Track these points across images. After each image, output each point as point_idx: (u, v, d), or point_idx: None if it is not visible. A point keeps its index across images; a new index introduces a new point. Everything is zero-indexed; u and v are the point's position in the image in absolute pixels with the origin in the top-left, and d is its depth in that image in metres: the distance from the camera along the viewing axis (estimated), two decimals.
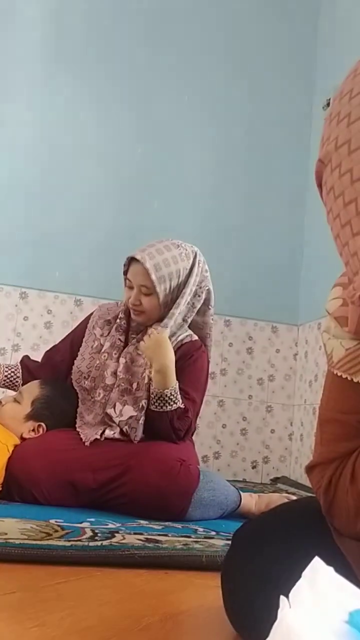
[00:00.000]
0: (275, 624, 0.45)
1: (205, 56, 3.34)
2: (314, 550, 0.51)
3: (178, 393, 1.81)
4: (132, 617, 0.83)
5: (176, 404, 1.79)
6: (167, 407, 1.79)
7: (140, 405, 1.82)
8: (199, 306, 1.95)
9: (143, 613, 0.85)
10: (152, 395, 1.81)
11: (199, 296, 1.93)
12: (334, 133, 0.51)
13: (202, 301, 1.95)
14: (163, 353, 1.78)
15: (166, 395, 1.79)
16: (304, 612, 0.44)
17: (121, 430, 1.80)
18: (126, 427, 1.80)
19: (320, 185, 0.55)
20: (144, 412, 1.81)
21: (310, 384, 3.04)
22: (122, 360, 1.90)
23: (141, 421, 1.80)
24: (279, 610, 0.46)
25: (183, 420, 1.81)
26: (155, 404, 1.80)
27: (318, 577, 0.47)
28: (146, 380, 1.83)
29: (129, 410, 1.82)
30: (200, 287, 1.94)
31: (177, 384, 1.81)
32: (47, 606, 0.84)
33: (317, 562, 0.49)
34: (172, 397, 1.79)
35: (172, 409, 1.79)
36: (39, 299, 3.04)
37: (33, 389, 1.92)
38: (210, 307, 2.00)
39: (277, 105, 3.40)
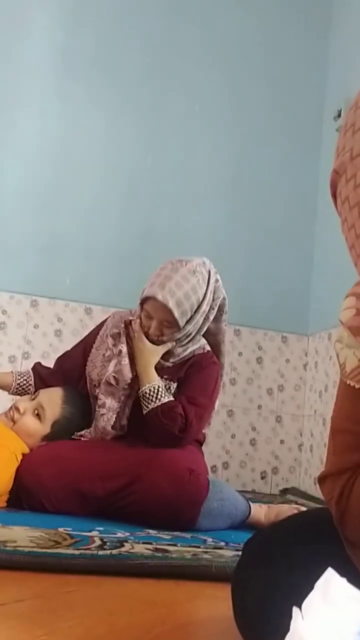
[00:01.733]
0: (288, 635, 0.44)
1: (215, 65, 3.36)
2: (326, 561, 0.51)
3: (160, 391, 1.83)
4: (143, 626, 0.83)
5: (160, 400, 1.81)
6: (150, 404, 1.82)
7: (117, 396, 1.86)
8: (212, 317, 1.95)
9: (153, 623, 0.85)
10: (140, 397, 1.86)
11: (213, 308, 1.94)
12: (349, 144, 0.51)
13: (215, 312, 1.95)
14: (144, 355, 1.87)
15: (146, 393, 1.83)
16: (317, 623, 0.44)
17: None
18: (104, 414, 1.84)
19: (334, 196, 0.55)
20: (119, 404, 1.85)
21: (321, 394, 3.03)
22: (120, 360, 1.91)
23: (121, 411, 1.84)
24: (292, 622, 0.45)
25: (171, 415, 1.80)
26: (142, 404, 1.83)
27: (331, 588, 0.47)
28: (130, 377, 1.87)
29: (109, 402, 1.86)
30: (214, 300, 1.94)
31: (160, 383, 1.85)
32: (56, 615, 0.84)
33: (330, 573, 0.49)
34: (152, 394, 1.82)
35: (155, 405, 1.81)
36: (50, 307, 3.05)
37: (54, 407, 1.87)
38: (223, 312, 2.00)
39: (288, 116, 3.41)
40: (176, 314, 1.81)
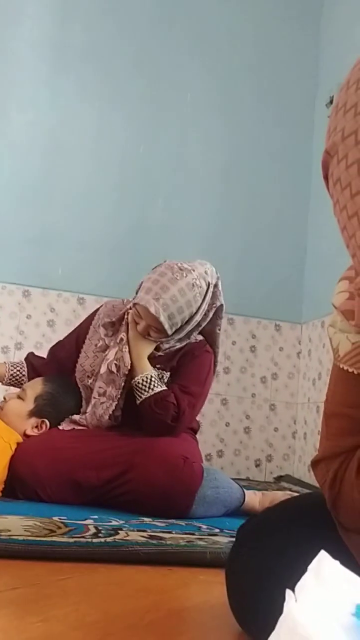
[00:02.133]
0: (281, 617, 0.44)
1: (207, 55, 3.34)
2: (319, 544, 0.51)
3: (153, 381, 1.83)
4: (137, 613, 0.83)
5: (153, 390, 1.81)
6: (143, 394, 1.82)
7: (118, 384, 1.85)
8: (204, 324, 1.94)
9: (147, 609, 0.85)
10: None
11: (207, 315, 1.93)
12: (340, 124, 0.50)
13: (208, 319, 1.94)
14: (137, 345, 1.86)
15: (139, 383, 1.83)
16: (310, 605, 0.44)
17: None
18: (103, 402, 1.83)
19: (326, 177, 0.55)
20: (119, 391, 1.85)
21: (314, 382, 3.04)
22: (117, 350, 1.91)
23: (116, 398, 1.84)
24: (285, 604, 0.45)
25: (163, 404, 1.80)
26: (136, 394, 1.83)
27: (324, 570, 0.47)
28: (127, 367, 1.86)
29: (109, 390, 1.86)
30: (210, 309, 1.93)
31: (153, 373, 1.84)
32: (51, 602, 0.84)
33: (323, 556, 0.49)
34: (145, 383, 1.82)
35: (148, 395, 1.81)
36: (42, 297, 3.04)
37: (36, 386, 1.92)
38: (219, 317, 1.99)
39: (280, 104, 3.39)
40: (166, 325, 1.81)
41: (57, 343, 2.17)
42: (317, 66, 3.42)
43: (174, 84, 3.29)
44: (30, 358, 2.14)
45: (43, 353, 2.22)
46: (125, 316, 1.96)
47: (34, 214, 3.04)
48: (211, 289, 1.90)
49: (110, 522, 1.43)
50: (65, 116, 3.16)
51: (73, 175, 3.13)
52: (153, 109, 3.26)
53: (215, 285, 1.92)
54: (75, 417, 1.91)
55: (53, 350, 2.13)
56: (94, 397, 1.89)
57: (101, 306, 2.11)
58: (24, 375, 2.07)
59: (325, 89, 3.20)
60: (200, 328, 1.94)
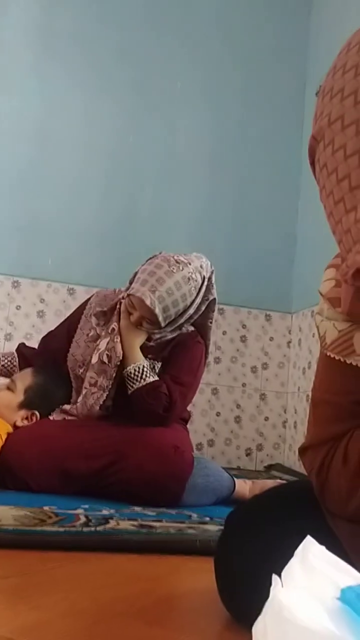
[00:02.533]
0: (268, 602, 0.45)
1: (197, 42, 3.31)
2: (307, 531, 0.51)
3: (145, 371, 1.83)
4: (127, 600, 0.83)
5: (145, 380, 1.81)
6: (135, 384, 1.82)
7: (109, 374, 1.84)
8: (196, 317, 1.94)
9: (137, 596, 0.85)
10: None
11: (199, 308, 1.93)
12: (326, 109, 0.50)
13: (200, 312, 1.94)
14: (129, 335, 1.86)
15: (131, 373, 1.83)
16: (296, 589, 0.44)
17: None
18: (94, 393, 1.83)
19: (313, 163, 0.54)
20: (110, 382, 1.84)
21: (304, 371, 3.05)
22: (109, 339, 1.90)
23: (107, 388, 1.83)
24: (271, 589, 0.46)
25: (155, 395, 1.81)
26: (127, 384, 1.83)
27: (310, 555, 0.47)
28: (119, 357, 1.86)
29: (100, 380, 1.85)
30: (202, 302, 1.93)
31: (145, 363, 1.84)
32: (41, 590, 0.84)
33: (309, 541, 0.49)
34: (137, 373, 1.82)
35: (139, 385, 1.81)
36: (32, 288, 3.02)
37: (26, 377, 1.91)
38: (211, 311, 1.99)
39: (271, 92, 3.38)
40: (160, 317, 1.81)
41: (48, 333, 2.16)
42: (306, 54, 3.40)
43: (164, 72, 3.27)
44: (22, 349, 2.13)
45: (33, 344, 2.21)
46: (117, 306, 1.95)
47: (22, 203, 3.02)
48: (206, 283, 1.90)
49: (101, 511, 1.43)
50: (53, 104, 3.13)
51: (62, 164, 3.11)
52: (142, 97, 3.24)
53: (209, 279, 1.92)
54: (66, 407, 1.91)
55: (44, 341, 2.13)
56: (85, 388, 1.89)
57: (92, 295, 2.10)
58: (15, 366, 2.06)
59: (315, 77, 3.19)
60: (192, 320, 1.94)
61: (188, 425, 2.09)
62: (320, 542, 0.49)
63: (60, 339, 2.06)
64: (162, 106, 3.26)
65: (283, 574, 0.47)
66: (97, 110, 3.18)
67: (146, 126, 3.23)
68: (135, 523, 1.30)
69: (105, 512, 1.42)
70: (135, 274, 1.90)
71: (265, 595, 0.46)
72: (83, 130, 3.16)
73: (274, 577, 0.46)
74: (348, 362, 0.66)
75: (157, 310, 1.79)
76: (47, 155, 3.09)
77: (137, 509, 1.53)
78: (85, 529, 1.17)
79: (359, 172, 0.46)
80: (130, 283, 1.90)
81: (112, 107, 3.19)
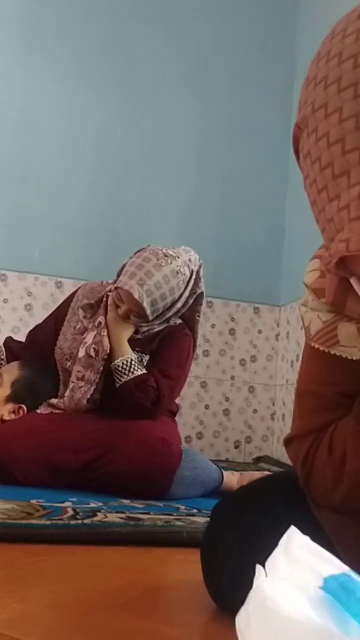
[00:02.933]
0: (251, 592, 0.45)
1: (185, 34, 3.30)
2: (292, 522, 0.51)
3: (133, 364, 1.82)
4: (113, 592, 0.83)
5: (133, 373, 1.81)
6: (123, 377, 1.81)
7: (96, 368, 1.84)
8: (183, 310, 1.94)
9: (124, 588, 0.85)
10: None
11: (187, 302, 1.92)
12: (310, 97, 0.50)
13: (188, 306, 1.94)
14: (117, 328, 1.86)
15: (118, 366, 1.83)
16: (279, 579, 0.44)
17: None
18: (82, 386, 1.83)
19: (297, 151, 0.54)
20: (98, 375, 1.83)
21: (292, 364, 3.06)
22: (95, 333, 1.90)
23: (94, 382, 1.83)
24: (255, 579, 0.46)
25: (143, 388, 1.81)
26: (115, 377, 1.83)
27: (293, 545, 0.47)
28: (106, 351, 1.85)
29: (88, 374, 1.85)
30: (190, 296, 1.92)
31: (133, 356, 1.84)
32: (27, 583, 0.84)
33: (293, 531, 0.49)
34: (125, 367, 1.82)
35: (128, 378, 1.81)
36: (19, 281, 3.00)
37: (12, 371, 1.90)
38: (199, 304, 1.99)
39: (258, 84, 3.37)
40: (148, 311, 1.80)
41: (35, 327, 2.15)
42: (294, 46, 3.39)
43: (151, 64, 3.25)
44: (9, 342, 2.12)
45: (20, 338, 2.20)
46: (104, 298, 1.95)
47: (8, 195, 3.00)
48: (194, 276, 1.90)
49: (89, 504, 1.43)
50: (39, 95, 3.10)
51: (49, 156, 3.09)
52: (130, 88, 3.22)
53: (197, 273, 1.92)
54: (53, 400, 1.90)
55: (32, 334, 2.12)
56: (72, 381, 1.88)
57: (79, 288, 2.10)
58: (2, 360, 2.05)
59: (303, 69, 3.17)
60: (180, 314, 1.94)
61: (177, 418, 2.10)
62: (305, 532, 0.49)
63: (47, 332, 2.05)
64: (149, 98, 3.24)
65: (267, 564, 0.47)
66: (84, 102, 3.16)
67: (133, 118, 3.21)
68: (122, 516, 1.30)
69: (92, 505, 1.42)
70: (123, 266, 1.89)
71: (250, 585, 0.45)
72: (69, 121, 3.14)
73: (258, 567, 0.46)
74: (332, 352, 0.66)
75: (145, 304, 1.78)
76: (34, 146, 3.07)
77: (125, 501, 1.54)
78: (73, 522, 1.17)
79: (342, 160, 0.46)
80: (118, 276, 1.90)
81: (99, 99, 3.17)
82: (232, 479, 1.78)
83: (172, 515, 1.37)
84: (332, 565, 0.45)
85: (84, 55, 3.17)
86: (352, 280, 0.53)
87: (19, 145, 3.05)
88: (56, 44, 3.14)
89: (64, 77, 3.14)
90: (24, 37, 3.11)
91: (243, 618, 0.44)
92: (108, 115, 3.18)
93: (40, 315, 2.54)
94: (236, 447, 3.15)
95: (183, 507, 1.50)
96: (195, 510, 1.46)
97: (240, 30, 3.37)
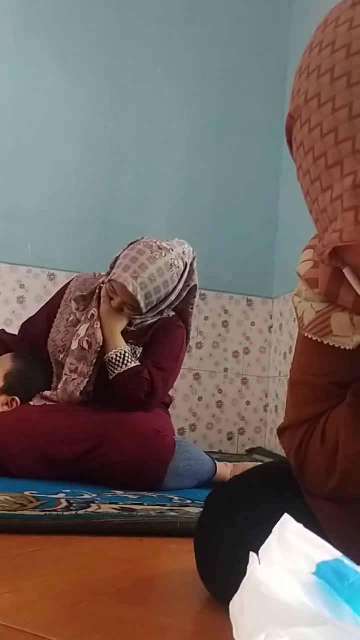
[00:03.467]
0: (245, 578, 0.45)
1: (178, 26, 3.28)
2: (285, 510, 0.51)
3: (127, 356, 1.83)
4: (107, 582, 0.83)
5: (126, 366, 1.81)
6: (117, 369, 1.82)
7: (89, 360, 1.84)
8: (177, 303, 1.94)
9: (117, 578, 0.86)
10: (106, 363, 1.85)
11: (181, 295, 1.92)
12: (303, 87, 0.50)
13: (181, 299, 1.94)
14: (110, 320, 1.85)
15: (112, 359, 1.83)
16: (273, 566, 0.45)
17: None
18: (75, 379, 1.83)
19: (290, 142, 0.54)
20: (91, 368, 1.83)
21: (285, 356, 3.07)
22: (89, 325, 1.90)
23: (87, 374, 1.83)
24: (249, 566, 0.46)
25: (137, 381, 1.81)
26: (109, 370, 1.83)
27: (287, 533, 0.47)
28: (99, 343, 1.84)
29: (81, 366, 1.84)
30: (184, 289, 1.92)
31: (127, 348, 1.84)
32: (21, 573, 0.84)
33: (286, 519, 0.49)
34: (118, 359, 1.82)
35: (121, 371, 1.81)
36: (11, 274, 2.99)
37: (5, 363, 1.90)
38: (192, 297, 1.99)
39: (252, 75, 3.36)
40: (142, 304, 1.80)
41: (28, 319, 2.15)
42: (288, 38, 3.39)
43: (144, 54, 3.23)
44: (1, 335, 2.11)
45: (13, 330, 2.20)
46: (97, 291, 1.95)
47: (0, 188, 2.98)
48: (188, 269, 1.90)
49: (83, 495, 1.43)
50: (30, 87, 3.08)
51: (41, 148, 3.07)
52: (122, 80, 3.20)
53: (191, 265, 1.92)
54: (47, 393, 1.90)
55: (25, 327, 2.11)
56: (65, 374, 1.88)
57: (72, 280, 2.09)
58: None
59: (295, 60, 3.17)
60: (173, 306, 1.94)
61: (170, 410, 2.10)
62: (298, 521, 0.50)
63: (40, 325, 2.05)
64: (142, 89, 3.22)
65: (260, 551, 0.47)
66: (77, 94, 3.14)
67: (127, 109, 3.20)
68: (116, 507, 1.30)
69: (86, 496, 1.43)
70: (117, 258, 1.89)
71: (243, 573, 0.46)
72: (62, 113, 3.12)
73: (252, 554, 0.46)
74: (325, 342, 0.66)
75: (139, 297, 1.78)
76: (26, 139, 3.05)
77: (119, 493, 1.54)
78: (67, 513, 1.17)
79: (335, 151, 0.46)
80: (112, 268, 1.90)
81: (91, 91, 3.16)
82: (226, 470, 1.79)
83: (165, 506, 1.38)
84: (326, 551, 0.45)
85: (76, 48, 3.15)
86: (346, 271, 0.53)
87: (11, 137, 3.03)
88: (48, 36, 3.12)
89: (56, 69, 3.12)
90: (16, 29, 3.08)
91: (237, 604, 0.45)
92: (100, 107, 3.17)
93: (33, 308, 2.54)
94: (229, 439, 3.16)
95: (177, 498, 1.51)
96: (188, 501, 1.47)
97: (233, 22, 3.36)
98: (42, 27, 3.11)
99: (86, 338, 1.86)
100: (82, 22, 3.16)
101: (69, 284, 2.08)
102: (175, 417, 2.70)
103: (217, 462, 1.80)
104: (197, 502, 1.44)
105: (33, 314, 2.17)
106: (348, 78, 0.45)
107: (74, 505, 1.27)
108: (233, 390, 3.20)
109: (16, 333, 2.14)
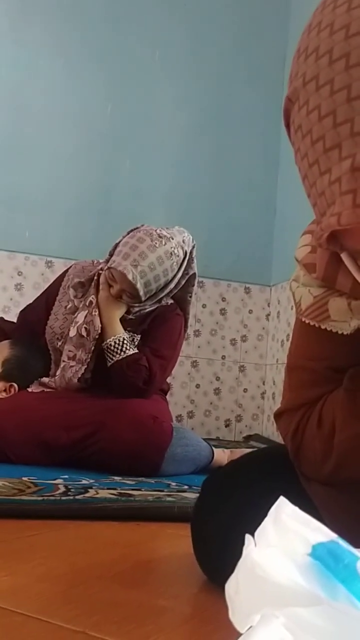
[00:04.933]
0: (240, 560, 0.45)
1: (176, 11, 3.25)
2: (281, 494, 0.52)
3: (125, 344, 1.83)
4: (104, 565, 0.84)
5: (125, 353, 1.81)
6: (115, 356, 1.81)
7: (87, 347, 1.84)
8: (175, 291, 1.93)
9: (115, 561, 0.86)
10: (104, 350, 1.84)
11: (179, 283, 1.92)
12: (301, 69, 0.49)
13: (180, 287, 1.93)
14: (109, 307, 1.85)
15: (110, 346, 1.82)
16: (268, 547, 0.45)
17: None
18: (73, 366, 1.82)
19: (288, 125, 0.54)
20: (89, 355, 1.83)
21: (282, 343, 3.07)
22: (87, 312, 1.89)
23: (85, 362, 1.83)
24: (244, 548, 0.46)
25: (136, 368, 1.81)
26: (107, 357, 1.83)
27: (282, 515, 0.48)
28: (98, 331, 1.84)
29: (79, 353, 1.84)
30: (183, 277, 1.92)
31: (125, 335, 1.84)
32: (18, 556, 0.85)
33: (282, 501, 0.50)
34: (117, 346, 1.82)
35: (120, 358, 1.81)
36: (9, 261, 2.99)
37: (3, 350, 1.90)
38: (191, 285, 1.99)
39: (251, 62, 3.34)
40: (141, 292, 1.80)
41: (26, 306, 2.15)
42: (287, 24, 3.36)
43: (143, 40, 3.20)
44: (0, 323, 2.11)
45: (11, 317, 2.20)
46: (95, 278, 1.94)
47: None
48: (187, 257, 1.89)
49: (80, 481, 1.44)
50: (27, 73, 3.06)
51: (38, 133, 3.05)
52: (120, 65, 3.18)
53: (190, 254, 1.92)
54: (44, 379, 1.90)
55: (23, 314, 2.11)
56: (63, 361, 1.88)
57: (70, 267, 2.08)
58: None
59: (294, 46, 3.14)
60: (172, 294, 1.94)
61: (168, 397, 2.11)
62: (294, 504, 0.50)
63: (38, 312, 2.04)
64: (140, 75, 3.20)
65: (256, 533, 0.47)
66: (75, 79, 3.12)
67: (124, 96, 3.18)
68: (114, 492, 1.31)
69: (84, 481, 1.43)
70: (116, 245, 1.88)
71: (239, 555, 0.46)
72: (59, 98, 3.10)
73: (247, 536, 0.47)
74: (323, 327, 0.66)
75: (139, 285, 1.78)
76: (23, 125, 3.03)
77: (117, 478, 1.55)
78: (64, 498, 1.18)
79: (334, 134, 0.46)
80: (111, 255, 1.89)
81: (89, 77, 3.13)
82: (223, 456, 1.80)
83: (163, 491, 1.38)
84: (321, 533, 0.46)
85: (73, 34, 3.12)
86: (343, 255, 0.53)
87: (8, 124, 3.01)
88: (48, 21, 3.09)
89: (53, 55, 3.09)
90: (12, 14, 3.05)
91: (232, 585, 0.45)
92: (98, 94, 3.15)
93: (30, 295, 2.54)
94: (227, 425, 3.17)
95: (174, 484, 1.52)
96: (186, 487, 1.47)
97: (232, 7, 3.33)
98: (38, 13, 3.08)
99: (84, 325, 1.86)
100: (79, 7, 3.13)
101: (67, 271, 2.08)
102: (173, 404, 2.71)
103: (214, 449, 1.81)
104: (194, 487, 1.45)
105: (31, 301, 2.16)
106: (347, 59, 0.44)
107: (72, 490, 1.28)
108: (230, 378, 3.21)
109: (14, 320, 2.13)
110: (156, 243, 1.80)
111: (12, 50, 3.04)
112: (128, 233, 1.88)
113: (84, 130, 3.12)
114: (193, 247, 1.92)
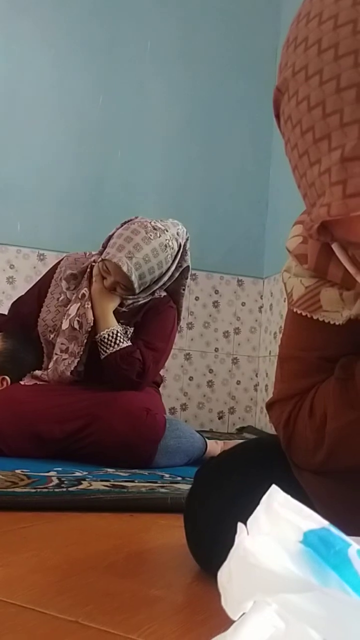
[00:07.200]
0: (233, 548, 0.46)
1: (167, 1, 3.23)
2: (272, 481, 0.52)
3: (119, 336, 1.83)
4: (97, 556, 0.84)
5: (118, 345, 1.81)
6: (108, 349, 1.81)
7: (80, 340, 1.84)
8: (169, 284, 1.93)
9: (108, 552, 0.87)
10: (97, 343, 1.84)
11: (173, 275, 1.92)
12: (291, 59, 0.49)
13: (174, 279, 1.93)
14: (102, 299, 1.84)
15: (104, 338, 1.82)
16: (261, 536, 0.45)
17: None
18: (65, 359, 1.82)
19: (277, 116, 0.54)
20: (82, 348, 1.83)
21: (275, 335, 3.08)
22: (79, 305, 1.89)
23: (78, 354, 1.83)
24: (237, 536, 0.47)
25: (129, 361, 1.81)
26: (100, 350, 1.83)
27: (275, 503, 0.48)
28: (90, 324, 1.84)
29: (72, 346, 1.84)
30: (177, 269, 1.92)
31: (119, 328, 1.84)
32: (11, 548, 0.85)
33: (274, 489, 0.50)
34: (110, 339, 1.82)
35: (113, 350, 1.81)
36: (1, 254, 2.97)
37: None
38: (184, 278, 1.99)
39: (243, 54, 3.33)
40: (135, 284, 1.80)
41: (18, 299, 2.14)
42: (279, 15, 3.34)
43: (134, 31, 3.18)
44: None
45: (3, 310, 2.19)
46: (88, 270, 1.94)
47: None
48: (181, 250, 1.89)
49: (74, 473, 1.44)
50: (19, 64, 3.04)
51: (29, 125, 3.03)
52: (112, 56, 3.16)
53: (184, 246, 1.91)
54: (37, 372, 1.90)
55: (15, 306, 2.10)
56: (56, 354, 1.88)
57: (62, 259, 2.08)
58: None
59: None
60: (165, 287, 1.94)
61: (161, 390, 2.11)
62: (286, 492, 0.50)
63: (30, 304, 2.04)
64: (131, 66, 3.18)
65: (248, 522, 0.48)
66: (66, 70, 3.10)
67: (116, 86, 3.16)
68: (107, 484, 1.31)
69: (77, 474, 1.44)
70: (110, 237, 1.88)
71: (231, 544, 0.47)
72: (51, 90, 3.08)
73: (239, 525, 0.47)
74: (314, 318, 0.66)
75: (133, 277, 1.78)
76: (15, 116, 3.01)
77: (110, 470, 1.55)
78: (58, 490, 1.18)
79: (323, 124, 0.46)
80: (104, 247, 1.89)
81: (81, 67, 3.11)
82: (216, 448, 1.80)
83: (156, 482, 1.39)
84: (313, 520, 0.46)
85: (65, 24, 3.10)
86: (334, 246, 0.53)
87: (0, 114, 2.99)
88: (39, 12, 3.06)
89: (44, 46, 3.07)
90: (2, 5, 3.02)
91: (225, 573, 0.45)
92: (90, 85, 3.13)
93: (22, 288, 2.52)
94: (220, 417, 3.18)
95: (167, 475, 1.52)
96: (179, 478, 1.48)
97: (226, 1, 3.31)
98: (29, 4, 3.06)
99: (77, 318, 1.86)
100: None
101: (59, 263, 2.07)
102: (166, 397, 2.71)
103: (207, 440, 1.82)
104: (188, 479, 1.45)
105: (23, 293, 2.16)
106: (335, 50, 0.44)
107: (65, 482, 1.28)
108: (223, 370, 3.22)
109: (6, 313, 2.13)
110: (151, 235, 1.79)
111: (4, 42, 3.02)
112: (122, 225, 1.88)
113: (76, 122, 3.10)
114: (187, 239, 1.92)
